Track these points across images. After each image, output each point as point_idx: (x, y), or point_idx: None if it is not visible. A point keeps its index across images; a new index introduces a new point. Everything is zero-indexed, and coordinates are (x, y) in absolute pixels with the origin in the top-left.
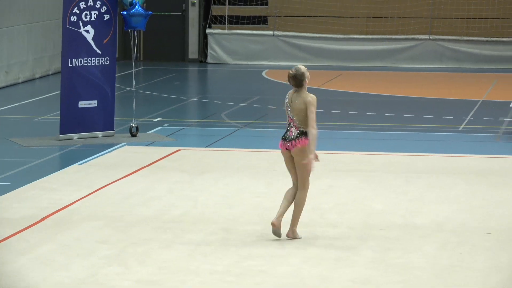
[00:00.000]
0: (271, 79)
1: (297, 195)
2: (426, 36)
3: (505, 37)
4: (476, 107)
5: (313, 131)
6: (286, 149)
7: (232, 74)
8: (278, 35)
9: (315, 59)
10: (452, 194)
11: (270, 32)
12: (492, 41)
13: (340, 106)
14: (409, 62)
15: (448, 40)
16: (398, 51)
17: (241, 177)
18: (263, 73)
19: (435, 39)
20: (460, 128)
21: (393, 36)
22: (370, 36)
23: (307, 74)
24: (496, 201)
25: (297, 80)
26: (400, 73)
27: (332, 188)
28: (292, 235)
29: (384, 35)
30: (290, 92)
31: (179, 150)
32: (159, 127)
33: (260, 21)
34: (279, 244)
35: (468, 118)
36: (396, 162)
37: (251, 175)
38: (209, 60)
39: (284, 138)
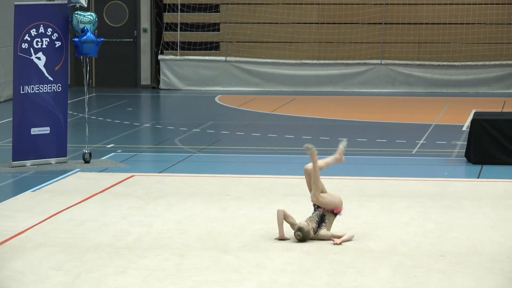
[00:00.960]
0: (224, 104)
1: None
2: (378, 61)
3: (455, 61)
4: (428, 131)
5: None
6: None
7: (184, 99)
8: (230, 61)
9: (268, 84)
10: (405, 218)
11: (222, 58)
12: (443, 65)
13: (293, 131)
14: (361, 87)
15: (400, 65)
16: (350, 76)
17: (194, 202)
18: (216, 99)
19: (387, 64)
20: (413, 152)
21: (345, 61)
22: (322, 61)
23: (310, 232)
24: (450, 224)
25: (306, 237)
26: (352, 97)
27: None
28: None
29: (336, 60)
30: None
31: (132, 176)
32: (112, 153)
33: (212, 47)
34: (234, 270)
35: (421, 141)
36: (349, 186)
37: (204, 200)
38: (161, 86)
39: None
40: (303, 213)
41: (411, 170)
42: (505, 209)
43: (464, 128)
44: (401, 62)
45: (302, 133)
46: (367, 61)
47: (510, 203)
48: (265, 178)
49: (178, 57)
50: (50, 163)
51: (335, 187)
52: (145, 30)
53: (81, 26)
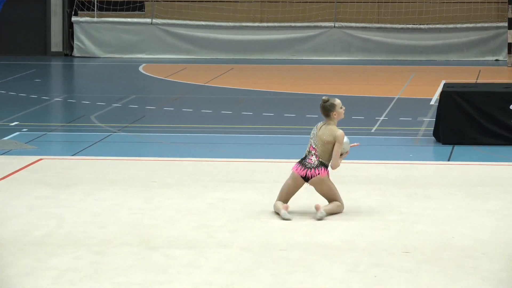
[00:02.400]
0: (149, 74)
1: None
2: (331, 24)
3: (422, 24)
4: (390, 106)
5: (337, 164)
6: (304, 176)
7: (103, 69)
8: (157, 23)
9: (201, 51)
10: (363, 207)
11: (148, 20)
12: (408, 28)
13: (231, 105)
14: (311, 54)
15: (357, 28)
16: (299, 41)
17: (115, 191)
18: (140, 68)
19: (341, 27)
20: (373, 130)
21: (293, 24)
22: (265, 24)
23: (339, 108)
24: (415, 214)
25: (324, 110)
26: (301, 66)
27: (224, 202)
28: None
29: (282, 23)
30: (320, 123)
31: (40, 159)
32: (17, 133)
33: (135, 6)
34: (161, 269)
35: (382, 118)
36: None
37: (127, 188)
38: (75, 53)
39: (303, 164)
40: (245, 202)
41: (370, 151)
42: (479, 198)
43: (432, 102)
44: (358, 24)
45: (242, 108)
46: (318, 24)
47: (485, 190)
48: (198, 162)
49: (95, 19)
50: None
51: (282, 171)
52: None
53: None
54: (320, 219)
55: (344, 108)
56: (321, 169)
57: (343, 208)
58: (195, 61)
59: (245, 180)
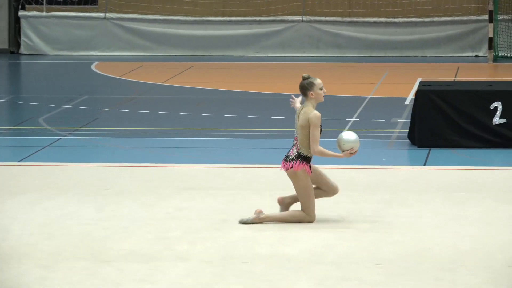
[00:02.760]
0: (103, 73)
1: (300, 216)
2: (299, 17)
3: (396, 17)
4: (362, 106)
5: (316, 150)
6: (285, 170)
7: (52, 68)
8: (111, 18)
9: (159, 47)
10: (332, 216)
11: (101, 14)
12: (381, 22)
13: (191, 106)
14: (278, 50)
15: (326, 22)
16: (264, 36)
17: (65, 200)
18: (92, 66)
19: (310, 21)
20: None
21: (257, 18)
22: (228, 18)
23: (318, 89)
24: (389, 223)
25: (302, 89)
26: (267, 64)
27: (182, 211)
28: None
29: (246, 17)
30: (300, 106)
31: None
32: None
33: (87, 0)
34: (114, 284)
35: (353, 119)
36: (262, 176)
37: (77, 197)
38: (22, 50)
39: (285, 157)
40: (205, 211)
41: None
42: (458, 204)
43: (407, 102)
44: (327, 18)
45: (202, 109)
46: (285, 18)
47: (465, 196)
48: (155, 168)
49: (43, 14)
50: None
51: (245, 177)
52: None
53: None
54: (244, 222)
55: (325, 90)
56: (296, 162)
57: (312, 220)
58: (152, 59)
59: (205, 187)
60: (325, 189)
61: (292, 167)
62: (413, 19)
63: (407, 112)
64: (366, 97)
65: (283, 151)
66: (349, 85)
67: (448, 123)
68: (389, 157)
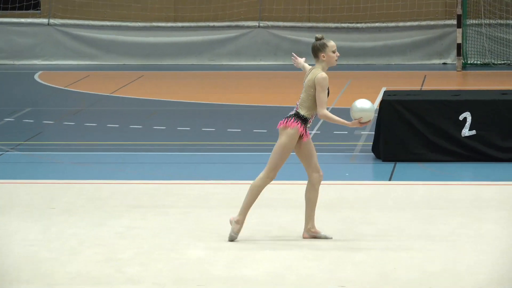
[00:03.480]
0: (47, 83)
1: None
2: (255, 23)
3: (359, 23)
4: None
5: (322, 113)
6: (278, 126)
7: None
8: (55, 24)
9: (107, 55)
10: (293, 235)
11: (44, 21)
12: (343, 28)
13: (141, 119)
14: (233, 58)
15: (285, 28)
16: (218, 43)
17: (7, 219)
18: (36, 76)
19: (267, 27)
20: None
21: (211, 23)
22: (180, 24)
23: (331, 51)
24: (352, 242)
25: (314, 50)
26: (221, 73)
27: (133, 230)
28: (308, 234)
29: (199, 22)
30: (310, 67)
31: None
32: None
33: (29, 4)
34: None
35: (314, 132)
36: (218, 193)
37: (21, 216)
38: None
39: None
40: (156, 231)
41: (299, 170)
42: (425, 222)
43: None
44: (286, 24)
45: (154, 122)
46: (241, 23)
47: (432, 213)
48: (103, 184)
49: None
50: None
51: (199, 194)
52: None
53: None
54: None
55: (338, 54)
56: (291, 119)
57: (271, 179)
58: (99, 68)
59: (156, 205)
60: (308, 172)
61: (286, 124)
62: (377, 24)
63: (371, 124)
64: (327, 108)
65: (240, 166)
66: None
67: (414, 136)
68: (352, 172)
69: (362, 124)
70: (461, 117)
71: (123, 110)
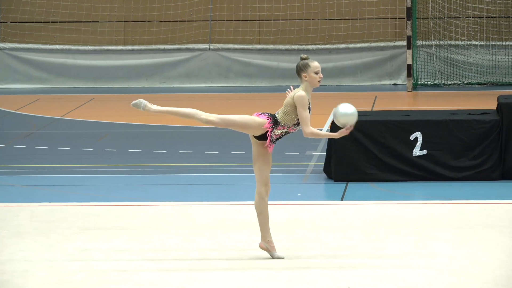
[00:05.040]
0: None
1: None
2: (206, 45)
3: (309, 44)
4: None
5: (308, 131)
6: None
7: None
8: (5, 48)
9: (57, 79)
10: (247, 255)
11: None
12: (293, 49)
13: (93, 142)
14: (183, 80)
15: (235, 50)
16: (169, 66)
17: None
18: None
19: (217, 49)
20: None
21: (161, 46)
22: (130, 47)
23: (313, 72)
24: (305, 261)
25: (297, 69)
26: (173, 95)
27: (86, 252)
28: (265, 245)
29: (149, 45)
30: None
31: None
32: None
33: None
34: None
35: None
36: (169, 214)
37: None
38: None
39: None
40: (109, 252)
41: (250, 191)
42: (378, 241)
43: None
44: (236, 46)
45: (105, 144)
46: (191, 46)
47: (385, 232)
48: (55, 207)
49: None
50: None
51: (152, 215)
52: None
53: None
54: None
55: (321, 75)
56: (264, 115)
57: (262, 199)
58: (49, 91)
59: (109, 227)
60: (259, 183)
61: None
62: (327, 46)
63: (323, 144)
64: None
65: (191, 187)
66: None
67: (366, 156)
68: (304, 192)
69: (348, 130)
70: (412, 137)
71: (74, 133)
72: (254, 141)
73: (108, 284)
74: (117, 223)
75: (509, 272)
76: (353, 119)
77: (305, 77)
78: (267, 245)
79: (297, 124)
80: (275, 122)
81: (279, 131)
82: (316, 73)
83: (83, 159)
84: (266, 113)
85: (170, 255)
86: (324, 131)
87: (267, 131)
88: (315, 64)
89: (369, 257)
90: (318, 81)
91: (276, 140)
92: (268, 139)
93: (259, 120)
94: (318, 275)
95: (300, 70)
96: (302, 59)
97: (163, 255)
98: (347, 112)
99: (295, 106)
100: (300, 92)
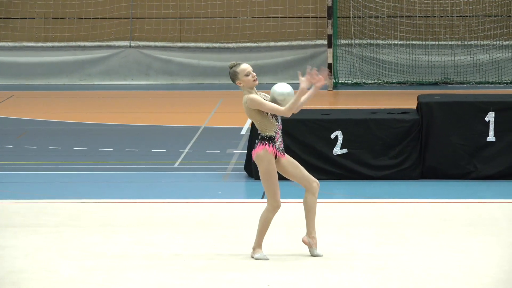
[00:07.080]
0: None
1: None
2: (126, 43)
3: (230, 42)
4: (196, 137)
5: (285, 112)
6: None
7: None
8: None
9: None
10: (167, 253)
11: None
12: (214, 48)
13: (12, 139)
14: (104, 78)
15: (156, 48)
16: (89, 63)
17: None
18: None
19: (138, 46)
20: (176, 165)
21: (82, 43)
22: (51, 44)
23: (243, 76)
24: (224, 260)
25: (230, 78)
26: (92, 92)
27: (4, 250)
28: (308, 240)
29: (69, 42)
30: None
31: None
32: None
33: None
34: None
35: (186, 151)
36: (91, 212)
37: None
38: None
39: None
40: (29, 250)
41: (173, 189)
42: (298, 239)
43: (243, 132)
44: (157, 43)
45: (24, 141)
46: (111, 43)
47: (305, 230)
48: None
49: None
50: None
51: (70, 213)
52: None
53: None
54: (315, 255)
55: (253, 74)
56: (257, 145)
57: (277, 205)
58: None
59: (28, 224)
60: (304, 184)
61: (255, 151)
62: (248, 44)
63: (244, 143)
64: (199, 127)
65: (112, 185)
66: (182, 115)
67: (287, 153)
68: (225, 190)
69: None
70: (332, 136)
71: None
72: (274, 162)
73: (27, 281)
74: (37, 220)
75: (427, 270)
76: (290, 99)
77: (240, 83)
78: (310, 240)
79: (275, 119)
80: (270, 140)
81: (279, 140)
82: (247, 75)
83: (2, 156)
84: (256, 144)
85: (90, 253)
86: (295, 99)
87: (271, 152)
88: (242, 67)
89: (289, 255)
90: (253, 80)
91: (280, 144)
92: (274, 152)
93: (263, 155)
94: (238, 274)
95: (233, 79)
96: (230, 67)
97: (83, 253)
98: (283, 91)
99: (257, 111)
100: (246, 96)
